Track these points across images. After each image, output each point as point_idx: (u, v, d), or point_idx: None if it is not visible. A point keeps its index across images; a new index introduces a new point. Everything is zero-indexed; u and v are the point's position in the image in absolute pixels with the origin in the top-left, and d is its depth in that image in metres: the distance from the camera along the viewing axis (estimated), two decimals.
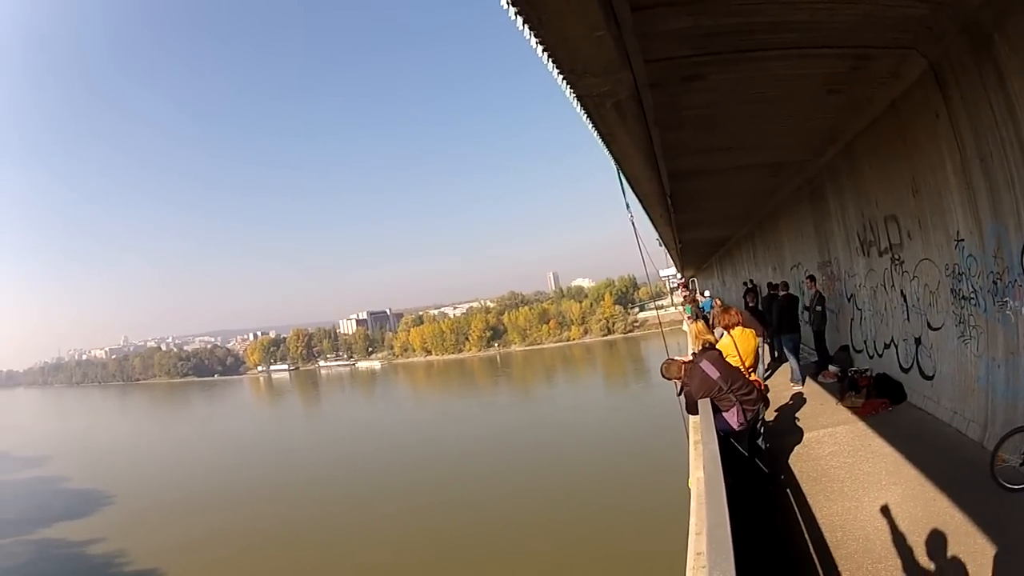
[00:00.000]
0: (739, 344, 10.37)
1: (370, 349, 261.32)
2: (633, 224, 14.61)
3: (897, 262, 10.86)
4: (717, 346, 10.48)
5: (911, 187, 9.64)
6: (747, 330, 10.83)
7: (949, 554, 5.99)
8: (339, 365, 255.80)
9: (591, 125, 7.57)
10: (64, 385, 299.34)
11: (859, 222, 12.45)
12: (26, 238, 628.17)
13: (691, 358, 10.21)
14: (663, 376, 10.15)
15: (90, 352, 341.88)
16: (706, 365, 9.32)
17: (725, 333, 10.72)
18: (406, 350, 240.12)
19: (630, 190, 12.44)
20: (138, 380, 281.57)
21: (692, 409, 9.69)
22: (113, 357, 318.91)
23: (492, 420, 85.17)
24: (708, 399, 9.05)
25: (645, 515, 37.97)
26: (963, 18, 6.64)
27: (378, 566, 39.40)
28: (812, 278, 15.64)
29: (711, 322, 27.13)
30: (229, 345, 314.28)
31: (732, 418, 8.99)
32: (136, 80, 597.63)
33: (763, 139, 11.58)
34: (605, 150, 9.13)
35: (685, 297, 45.24)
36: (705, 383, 9.16)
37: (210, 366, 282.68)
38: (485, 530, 41.79)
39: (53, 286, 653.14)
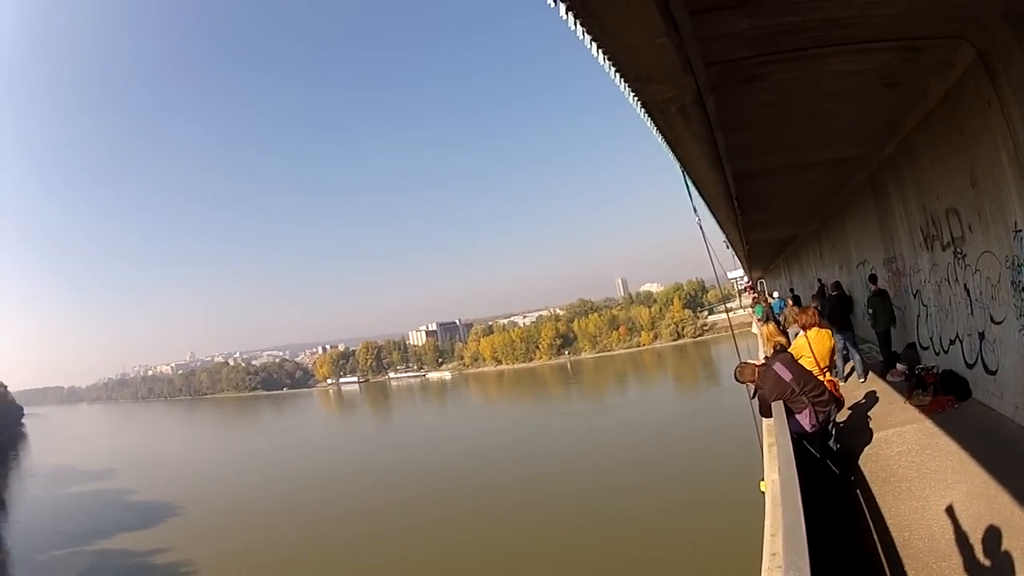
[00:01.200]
0: (814, 345, 10.70)
1: (440, 360, 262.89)
2: (701, 227, 14.82)
3: (960, 256, 10.75)
4: (791, 347, 10.76)
5: (970, 179, 9.56)
6: (823, 331, 11.10)
7: (1011, 551, 6.03)
8: (409, 376, 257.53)
9: (656, 131, 7.79)
10: (129, 401, 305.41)
11: (921, 216, 12.38)
12: (89, 259, 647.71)
13: (763, 361, 10.46)
14: (736, 380, 10.37)
15: (156, 368, 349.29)
16: (779, 367, 9.52)
17: (801, 333, 10.97)
18: (476, 360, 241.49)
19: (696, 194, 12.65)
20: (206, 395, 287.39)
21: (766, 412, 9.88)
22: (180, 372, 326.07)
23: (568, 426, 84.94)
24: (781, 401, 9.22)
25: (718, 515, 37.79)
26: (1004, 4, 6.68)
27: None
28: (873, 278, 15.67)
29: (782, 323, 27.10)
30: (298, 359, 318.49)
31: (805, 420, 9.13)
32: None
33: (824, 136, 11.65)
34: (671, 155, 9.39)
35: (754, 299, 44.91)
36: (778, 385, 9.34)
37: (279, 379, 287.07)
38: (565, 525, 41.97)
39: (119, 306, 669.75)
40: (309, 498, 63.33)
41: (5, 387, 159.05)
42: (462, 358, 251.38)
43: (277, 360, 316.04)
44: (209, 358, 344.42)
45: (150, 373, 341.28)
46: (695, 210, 13.84)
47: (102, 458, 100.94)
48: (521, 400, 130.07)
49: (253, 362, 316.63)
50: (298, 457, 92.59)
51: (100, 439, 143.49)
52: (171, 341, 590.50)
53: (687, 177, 11.12)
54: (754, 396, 10.31)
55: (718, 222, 20.36)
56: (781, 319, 29.80)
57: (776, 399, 9.30)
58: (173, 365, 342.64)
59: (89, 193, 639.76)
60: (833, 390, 9.81)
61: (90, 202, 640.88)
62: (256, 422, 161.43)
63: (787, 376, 9.31)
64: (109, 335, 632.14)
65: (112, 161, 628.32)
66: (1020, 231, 8.29)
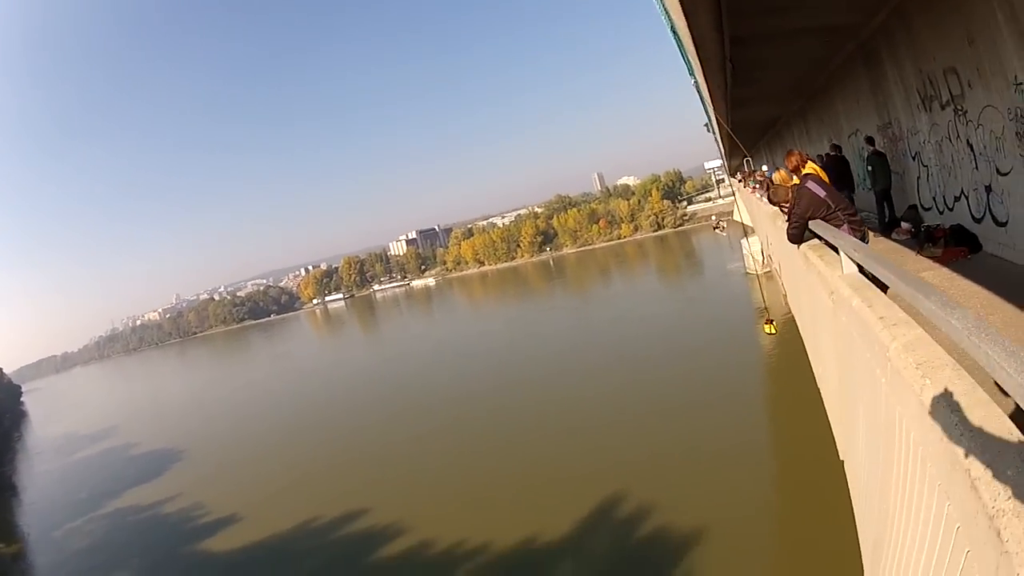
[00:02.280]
0: (822, 176, 10.59)
1: (423, 267, 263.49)
2: (697, 88, 14.92)
3: (960, 112, 10.87)
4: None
5: (966, 37, 9.67)
6: (819, 170, 11.18)
7: None
8: (393, 287, 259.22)
9: None
10: (121, 354, 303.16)
11: (918, 79, 12.45)
12: (64, 216, 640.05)
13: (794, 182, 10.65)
14: (770, 201, 10.56)
15: (144, 317, 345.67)
16: (812, 185, 9.71)
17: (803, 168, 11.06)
18: (459, 264, 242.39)
19: (689, 65, 12.69)
20: (195, 334, 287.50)
21: (797, 236, 10.20)
22: (168, 317, 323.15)
23: (561, 323, 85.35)
24: (818, 220, 9.43)
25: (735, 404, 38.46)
26: None
27: (466, 468, 39.67)
28: (870, 139, 15.73)
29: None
30: (282, 284, 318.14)
31: None
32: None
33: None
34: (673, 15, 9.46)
35: (746, 177, 44.98)
36: (814, 201, 9.51)
37: (265, 307, 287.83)
38: (576, 425, 41.74)
39: (100, 261, 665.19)
40: (308, 421, 63.89)
41: (0, 370, 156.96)
42: (445, 263, 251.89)
43: (262, 288, 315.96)
44: (195, 297, 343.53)
45: (139, 323, 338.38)
46: (691, 71, 13.94)
47: (101, 418, 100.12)
48: (508, 300, 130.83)
49: (238, 294, 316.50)
50: (292, 382, 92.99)
51: (97, 399, 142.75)
52: (156, 287, 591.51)
53: (686, 34, 11.22)
54: (788, 220, 10.56)
55: (702, 101, 20.45)
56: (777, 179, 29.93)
57: (812, 217, 9.51)
58: (160, 311, 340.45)
59: (60, 147, 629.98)
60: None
61: (61, 155, 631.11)
62: (247, 353, 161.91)
63: (821, 193, 9.50)
64: (94, 293, 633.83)
65: (84, 109, 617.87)
66: (1021, 83, 8.48)
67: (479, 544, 29.41)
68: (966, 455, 3.34)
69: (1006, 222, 10.26)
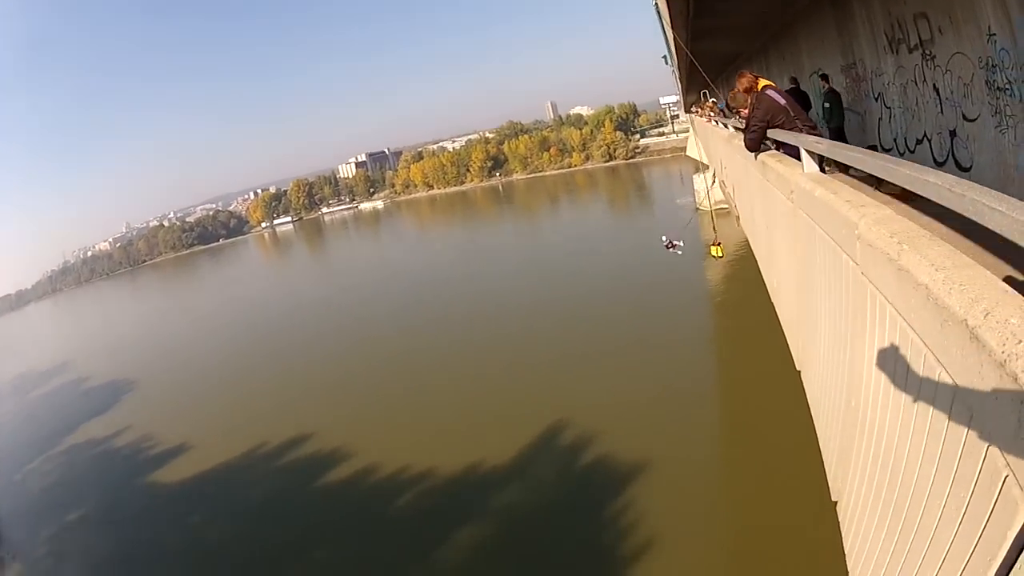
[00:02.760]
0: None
1: (372, 190, 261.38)
2: (657, 10, 14.82)
3: (928, 57, 10.96)
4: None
5: None
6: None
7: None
8: (342, 210, 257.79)
9: None
10: (73, 287, 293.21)
11: (886, 21, 12.47)
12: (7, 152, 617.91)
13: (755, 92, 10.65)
14: (728, 106, 10.61)
15: (95, 247, 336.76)
16: (772, 92, 9.83)
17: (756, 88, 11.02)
18: (408, 187, 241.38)
19: None
20: (144, 262, 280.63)
21: (756, 142, 10.27)
22: (118, 246, 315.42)
23: (511, 247, 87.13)
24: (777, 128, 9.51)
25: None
26: None
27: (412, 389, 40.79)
28: (825, 76, 16.01)
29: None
30: (231, 208, 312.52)
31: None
32: None
33: None
34: None
35: (701, 107, 45.05)
36: (773, 106, 9.63)
37: (214, 232, 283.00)
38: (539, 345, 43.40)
39: (46, 194, 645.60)
40: (255, 348, 64.17)
41: None
42: (393, 186, 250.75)
43: (211, 213, 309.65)
44: (144, 225, 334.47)
45: (89, 254, 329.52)
46: None
47: (55, 353, 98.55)
48: (456, 224, 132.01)
49: (187, 219, 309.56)
50: (240, 309, 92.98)
51: (50, 334, 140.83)
52: (105, 217, 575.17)
53: None
54: (747, 128, 10.57)
55: (662, 24, 20.41)
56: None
57: (771, 123, 9.68)
58: (111, 240, 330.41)
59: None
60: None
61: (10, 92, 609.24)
62: (195, 278, 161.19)
63: (781, 100, 9.59)
64: (45, 225, 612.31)
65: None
66: (993, 35, 8.55)
67: (425, 469, 30.33)
68: (960, 309, 3.44)
69: (970, 167, 10.40)
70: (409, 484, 29.74)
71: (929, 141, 11.90)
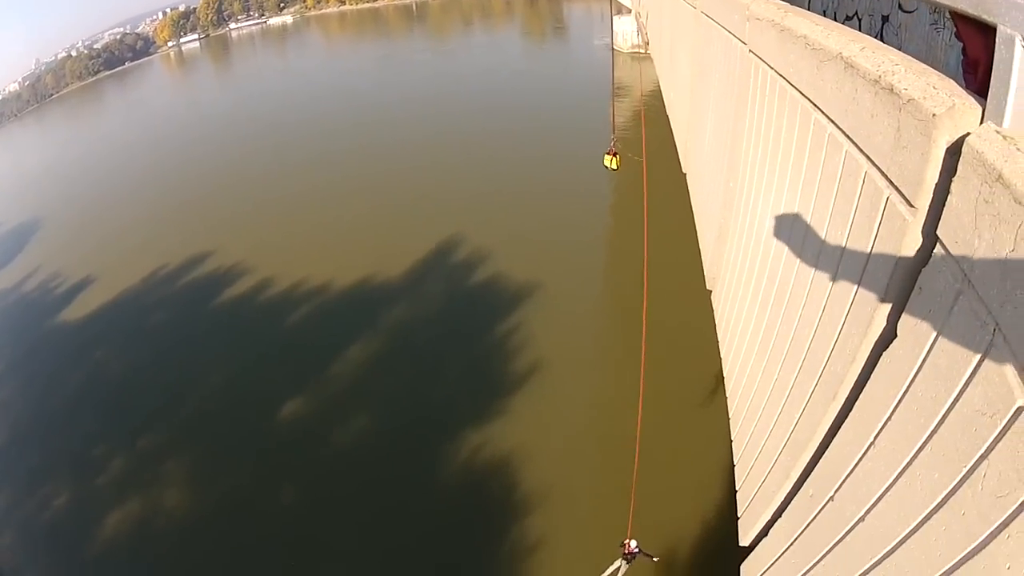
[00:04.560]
0: None
1: (281, 5, 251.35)
2: None
3: None
4: None
5: None
6: None
7: None
8: (250, 25, 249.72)
9: None
10: None
11: None
12: None
13: None
14: None
15: (5, 90, 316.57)
16: None
17: None
18: (319, 2, 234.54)
19: None
20: (51, 96, 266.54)
21: None
22: (27, 84, 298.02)
23: (424, 69, 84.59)
24: None
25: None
26: None
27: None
28: None
29: None
30: (139, 30, 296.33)
31: None
32: None
33: None
34: None
35: None
36: None
37: (120, 56, 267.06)
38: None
39: None
40: (159, 171, 63.51)
41: None
42: (304, 1, 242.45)
43: (119, 37, 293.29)
44: (53, 58, 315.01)
45: (1, 98, 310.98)
46: None
47: None
48: (365, 42, 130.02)
49: (95, 46, 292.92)
50: (143, 130, 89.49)
51: None
52: (16, 56, 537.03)
53: None
54: None
55: None
56: None
57: None
58: (20, 80, 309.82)
59: None
60: None
61: None
62: (100, 106, 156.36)
63: None
64: None
65: None
66: None
67: (322, 283, 32.48)
68: (836, 46, 3.77)
69: None
70: (309, 294, 31.14)
71: (859, 20, 11.96)
